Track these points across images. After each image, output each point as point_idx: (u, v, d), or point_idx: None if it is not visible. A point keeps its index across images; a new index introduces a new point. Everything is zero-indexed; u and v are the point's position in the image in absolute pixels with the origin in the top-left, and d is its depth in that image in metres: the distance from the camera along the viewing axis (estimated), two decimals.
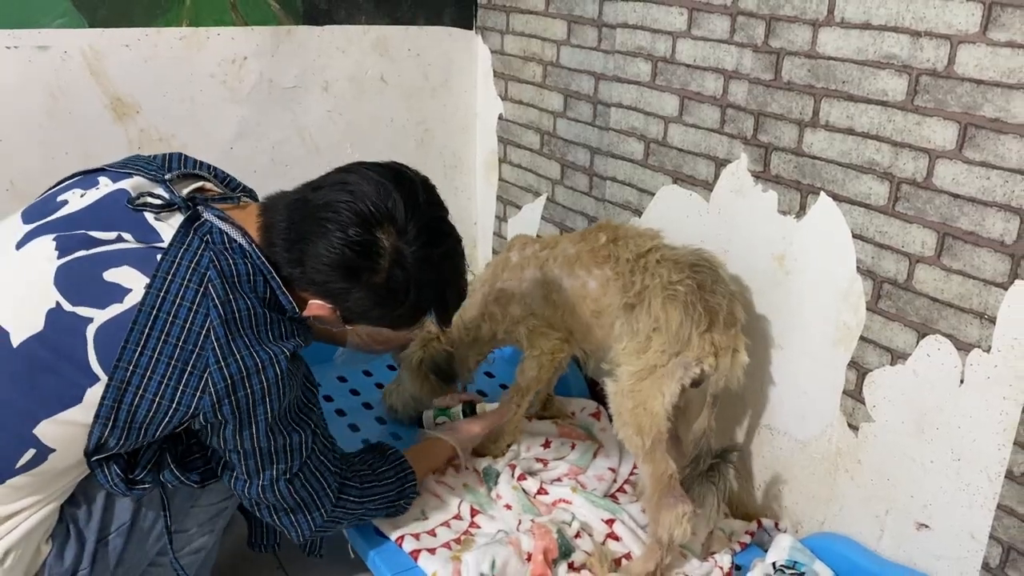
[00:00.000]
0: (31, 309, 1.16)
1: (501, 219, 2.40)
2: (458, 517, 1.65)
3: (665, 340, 1.46)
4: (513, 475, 1.72)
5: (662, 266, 1.51)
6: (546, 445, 1.85)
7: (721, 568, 1.53)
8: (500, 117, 2.30)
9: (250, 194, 1.44)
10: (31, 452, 1.16)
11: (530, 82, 2.16)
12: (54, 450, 1.17)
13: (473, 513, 1.65)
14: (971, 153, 1.25)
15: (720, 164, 1.67)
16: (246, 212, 1.28)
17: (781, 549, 1.53)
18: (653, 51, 1.77)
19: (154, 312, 1.15)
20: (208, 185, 1.35)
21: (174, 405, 1.17)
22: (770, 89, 1.53)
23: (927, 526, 1.42)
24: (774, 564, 1.50)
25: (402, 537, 1.57)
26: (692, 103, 1.70)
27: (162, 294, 1.16)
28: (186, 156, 1.39)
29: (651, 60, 1.78)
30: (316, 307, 1.26)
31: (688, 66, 1.69)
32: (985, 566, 1.34)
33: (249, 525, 1.61)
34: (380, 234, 1.19)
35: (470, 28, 2.30)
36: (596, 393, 2.04)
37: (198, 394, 1.17)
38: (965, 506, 1.35)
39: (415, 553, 1.53)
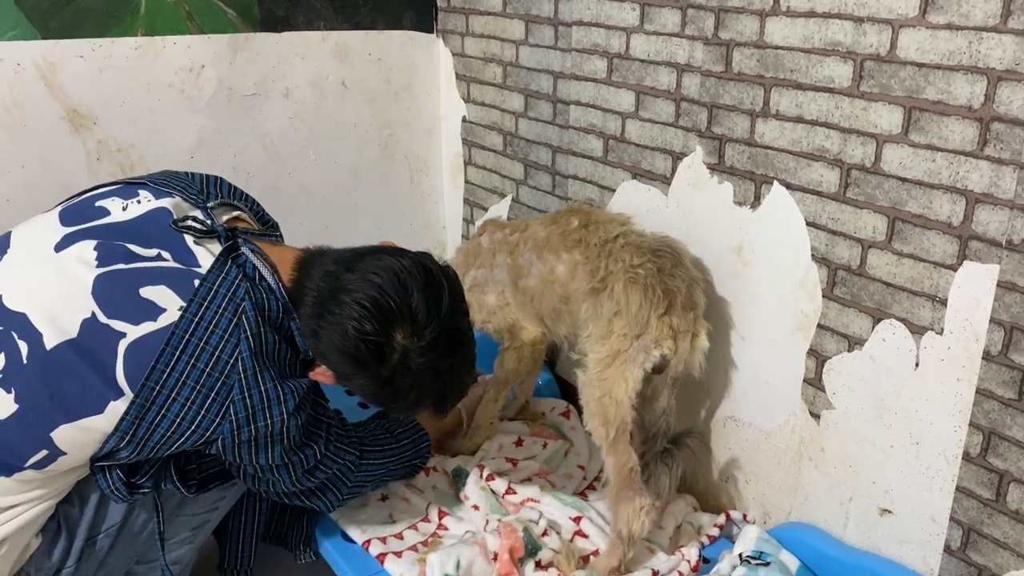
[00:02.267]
0: (67, 315, 1.19)
1: (468, 222, 2.39)
2: (426, 520, 1.65)
3: (626, 323, 1.45)
4: (482, 476, 1.71)
5: (625, 251, 1.50)
6: (518, 443, 1.84)
7: (688, 561, 1.52)
8: (464, 119, 2.30)
9: (276, 227, 1.49)
10: (43, 452, 1.18)
11: (491, 83, 2.16)
12: (65, 453, 1.20)
13: (441, 515, 1.65)
14: (916, 136, 1.26)
15: (677, 158, 1.67)
16: (281, 253, 1.32)
17: (748, 540, 1.53)
18: (608, 48, 1.77)
19: (187, 336, 1.18)
20: (243, 216, 1.40)
21: (193, 427, 1.20)
22: (722, 81, 1.54)
23: (890, 511, 1.42)
24: (740, 555, 1.50)
25: (369, 541, 1.56)
26: (647, 98, 1.71)
27: (196, 319, 1.19)
28: (222, 180, 1.44)
29: (606, 57, 1.78)
30: (320, 372, 1.31)
31: (642, 61, 1.70)
32: (947, 548, 1.34)
33: (220, 548, 1.61)
34: (396, 334, 1.23)
35: (431, 31, 2.30)
36: (566, 392, 2.03)
37: (218, 420, 1.20)
38: (925, 489, 1.35)
39: (381, 557, 1.53)
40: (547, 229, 1.64)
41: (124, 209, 1.29)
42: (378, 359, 1.23)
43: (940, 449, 1.32)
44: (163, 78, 1.96)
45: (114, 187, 1.35)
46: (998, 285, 1.20)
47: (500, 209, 2.23)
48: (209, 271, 1.22)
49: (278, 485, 1.37)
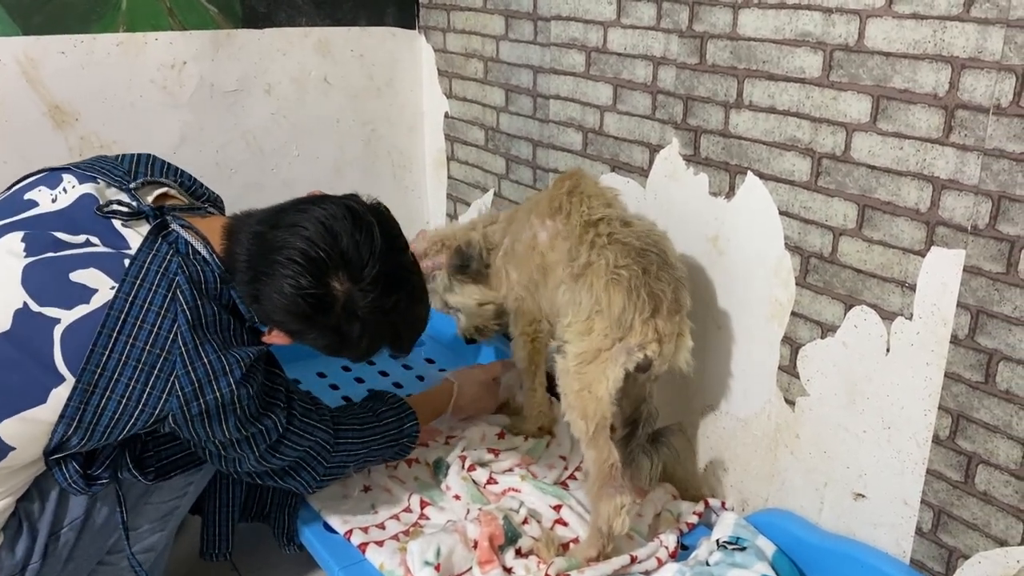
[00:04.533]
0: None
1: (452, 217, 2.41)
2: (408, 510, 1.66)
3: (608, 324, 1.44)
4: (463, 466, 1.73)
5: (609, 249, 1.45)
6: (501, 435, 1.86)
7: (667, 547, 1.54)
8: (446, 115, 2.32)
9: (216, 202, 1.46)
10: None
11: (472, 79, 2.18)
12: (14, 448, 1.18)
13: (423, 505, 1.66)
14: (884, 124, 1.28)
15: (654, 150, 1.69)
16: (210, 224, 1.30)
17: (725, 526, 1.55)
18: (586, 42, 1.79)
19: (122, 316, 1.17)
20: (171, 192, 1.37)
21: (140, 407, 1.19)
22: (696, 73, 1.56)
23: (863, 495, 1.44)
24: (718, 540, 1.51)
25: (351, 531, 1.57)
26: (625, 91, 1.72)
27: (131, 298, 1.18)
28: (153, 158, 1.41)
29: (584, 51, 1.80)
30: (274, 336, 1.30)
31: (619, 55, 1.72)
32: (919, 531, 1.36)
33: (202, 533, 1.62)
34: (333, 282, 1.22)
35: (413, 28, 2.31)
36: (549, 384, 2.04)
37: (164, 396, 1.19)
38: (897, 473, 1.37)
39: (363, 546, 1.54)
40: (544, 192, 1.63)
41: (53, 201, 1.27)
42: (322, 311, 1.22)
43: (911, 433, 1.34)
44: (145, 74, 1.97)
45: (39, 176, 1.33)
46: (964, 270, 1.22)
47: (483, 204, 2.25)
48: (139, 250, 1.21)
49: (244, 463, 1.35)
